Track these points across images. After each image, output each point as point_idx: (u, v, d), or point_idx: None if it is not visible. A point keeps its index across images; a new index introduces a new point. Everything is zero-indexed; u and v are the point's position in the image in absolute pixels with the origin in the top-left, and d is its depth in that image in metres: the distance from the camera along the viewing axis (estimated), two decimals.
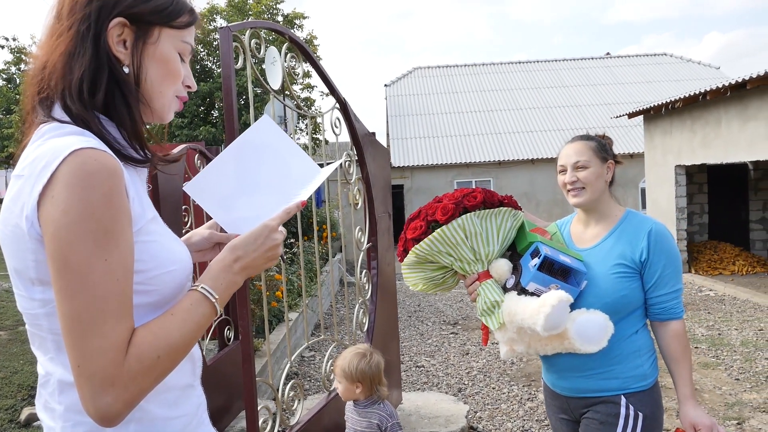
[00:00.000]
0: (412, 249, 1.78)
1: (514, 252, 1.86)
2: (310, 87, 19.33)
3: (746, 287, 8.88)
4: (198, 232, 1.25)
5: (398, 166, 16.54)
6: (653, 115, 10.74)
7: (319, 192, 12.07)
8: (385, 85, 20.55)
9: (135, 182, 0.98)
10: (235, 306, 3.86)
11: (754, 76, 7.53)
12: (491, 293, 1.75)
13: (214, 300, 0.97)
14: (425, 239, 1.74)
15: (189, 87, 1.07)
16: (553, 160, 16.34)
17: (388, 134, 19.25)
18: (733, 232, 11.76)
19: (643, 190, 15.28)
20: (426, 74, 21.33)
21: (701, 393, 4.62)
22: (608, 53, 22.78)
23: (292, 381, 2.64)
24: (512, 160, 16.51)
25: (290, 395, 2.60)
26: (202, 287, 0.98)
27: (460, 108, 19.26)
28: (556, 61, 21.79)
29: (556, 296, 1.61)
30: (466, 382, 5.10)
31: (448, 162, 16.62)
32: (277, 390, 2.51)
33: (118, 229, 0.86)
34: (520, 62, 21.92)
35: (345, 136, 3.42)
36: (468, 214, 1.72)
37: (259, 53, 2.30)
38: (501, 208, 1.77)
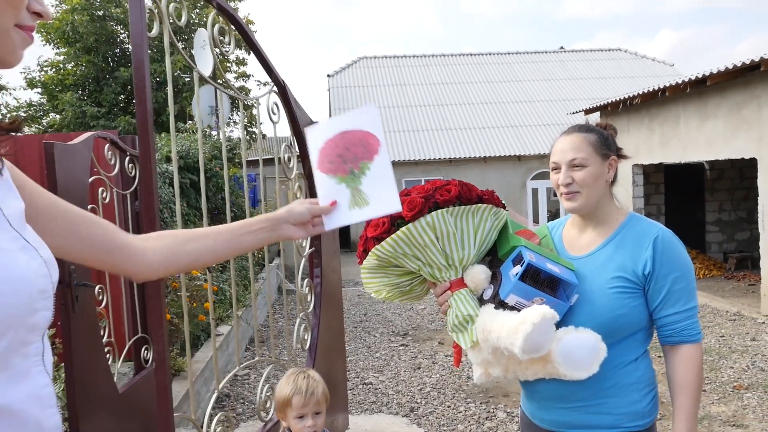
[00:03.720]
0: (373, 250, 1.58)
1: (494, 257, 1.69)
2: (245, 76, 18.85)
3: (704, 291, 9.15)
4: (299, 203, 1.24)
5: None
6: (610, 111, 10.95)
7: (254, 190, 11.69)
8: (328, 76, 20.29)
9: None
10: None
11: (714, 71, 7.74)
12: (465, 306, 1.57)
13: None
14: (388, 239, 1.55)
15: (40, 15, 0.78)
16: (506, 159, 16.52)
17: None
18: (689, 234, 12.15)
19: None
20: (372, 64, 21.18)
21: (666, 406, 4.62)
22: (562, 47, 23.30)
23: (219, 414, 2.39)
24: (464, 157, 16.58)
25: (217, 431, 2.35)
26: None
27: (408, 101, 19.22)
28: (508, 54, 22.08)
29: (539, 312, 1.43)
30: (418, 401, 4.94)
31: (396, 159, 16.51)
32: (201, 427, 2.26)
33: None
34: (471, 54, 22.09)
35: (285, 130, 3.19)
36: (440, 210, 1.53)
37: (180, 20, 2.05)
38: (480, 204, 1.58)
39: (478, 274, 1.59)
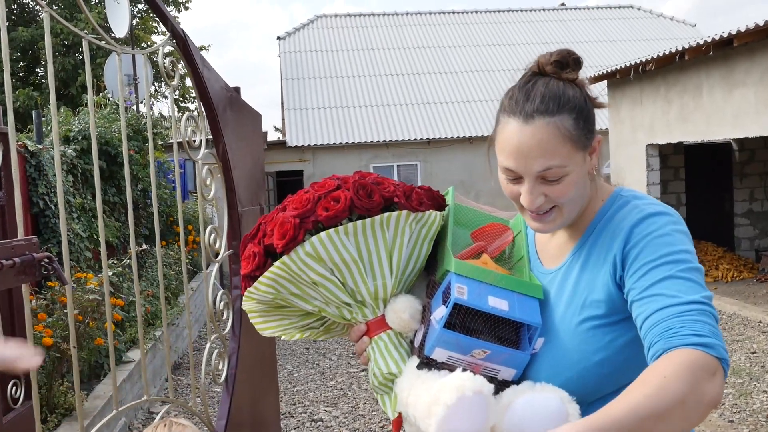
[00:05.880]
0: (247, 291, 1.37)
1: (433, 278, 1.43)
2: None
3: (732, 297, 9.15)
4: None
5: (295, 146, 16.09)
6: (620, 80, 10.91)
7: (185, 178, 11.39)
8: (278, 38, 20.01)
9: None
10: None
11: (742, 30, 7.69)
12: (385, 359, 1.33)
13: None
14: (262, 277, 1.33)
15: None
16: None
17: (283, 104, 18.75)
18: (715, 228, 12.19)
19: (607, 177, 15.65)
20: (332, 24, 20.98)
21: None
22: (563, 4, 23.36)
23: None
24: (445, 138, 16.47)
25: None
26: None
27: (377, 70, 19.06)
28: (499, 12, 22.08)
29: (455, 387, 1.15)
30: None
31: (362, 140, 16.35)
32: None
33: None
34: (453, 12, 22.02)
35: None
36: (327, 231, 1.30)
37: None
38: (387, 213, 1.32)
39: (400, 312, 1.34)
